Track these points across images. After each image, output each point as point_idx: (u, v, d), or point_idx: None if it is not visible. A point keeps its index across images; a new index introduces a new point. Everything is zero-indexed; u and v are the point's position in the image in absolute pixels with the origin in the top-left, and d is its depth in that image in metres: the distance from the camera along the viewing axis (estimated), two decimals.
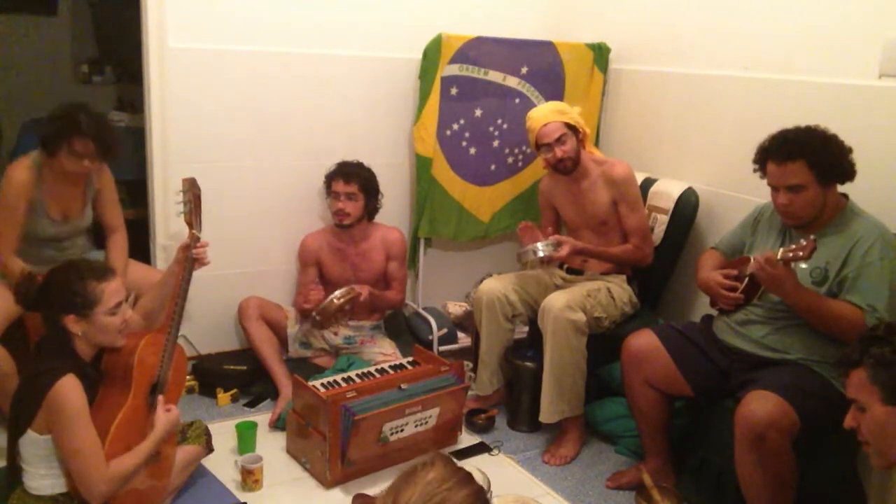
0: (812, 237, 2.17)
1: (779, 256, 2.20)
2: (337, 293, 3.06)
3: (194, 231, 2.41)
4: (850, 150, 2.25)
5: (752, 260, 2.31)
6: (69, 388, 1.97)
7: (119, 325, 2.13)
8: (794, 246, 2.19)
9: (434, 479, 1.23)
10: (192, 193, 2.41)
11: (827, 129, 2.27)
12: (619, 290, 2.98)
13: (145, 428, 2.20)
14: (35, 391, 1.98)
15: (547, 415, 2.85)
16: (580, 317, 2.78)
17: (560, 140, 2.92)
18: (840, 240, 2.26)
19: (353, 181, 3.18)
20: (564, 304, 2.78)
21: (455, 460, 1.32)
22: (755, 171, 2.37)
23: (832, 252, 2.25)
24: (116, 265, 2.87)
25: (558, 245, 2.85)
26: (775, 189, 2.31)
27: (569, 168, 2.97)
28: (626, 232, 3.00)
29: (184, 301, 2.37)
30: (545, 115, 2.96)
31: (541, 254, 2.83)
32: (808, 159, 2.21)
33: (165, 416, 2.23)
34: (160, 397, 2.28)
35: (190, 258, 2.38)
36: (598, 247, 2.98)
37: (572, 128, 2.95)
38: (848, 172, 2.26)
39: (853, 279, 2.21)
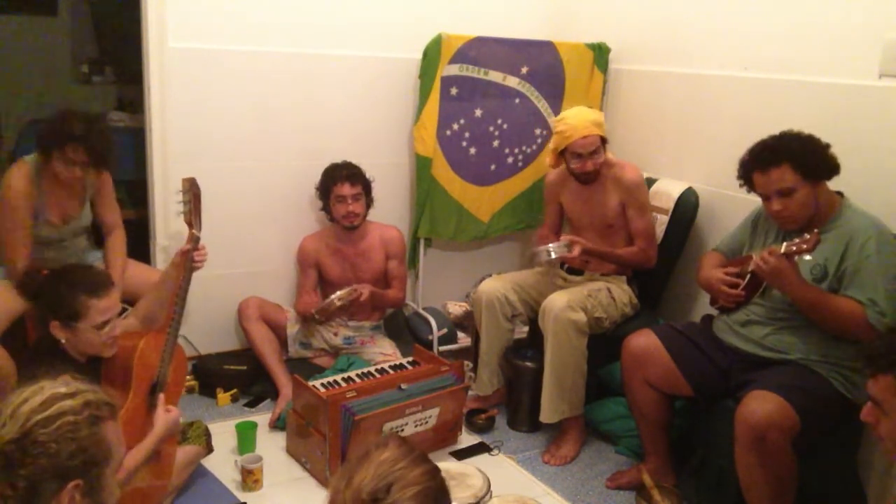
0: (815, 230, 2.18)
1: (782, 250, 2.21)
2: (338, 293, 3.06)
3: (194, 231, 2.41)
4: (828, 146, 2.27)
5: (754, 256, 2.32)
6: None
7: (104, 341, 2.10)
8: (797, 240, 2.20)
9: (388, 459, 1.22)
10: (191, 193, 2.41)
11: (801, 130, 2.29)
12: (620, 291, 2.98)
13: (146, 427, 2.20)
14: None
15: (547, 415, 2.85)
16: (581, 317, 2.78)
17: (595, 153, 2.89)
18: (837, 236, 2.26)
19: (357, 182, 3.18)
20: (565, 304, 2.78)
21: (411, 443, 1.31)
22: (741, 186, 2.38)
23: (830, 249, 2.25)
24: (114, 265, 2.88)
25: (571, 245, 2.83)
26: (766, 198, 2.31)
27: (592, 179, 2.95)
28: (632, 234, 2.99)
29: (183, 302, 2.37)
30: (586, 126, 2.86)
31: (553, 255, 2.82)
32: (790, 161, 2.23)
33: (165, 415, 2.22)
34: (160, 396, 2.27)
35: (190, 260, 2.37)
36: (606, 248, 2.97)
37: (603, 140, 2.92)
38: (832, 167, 2.27)
39: (852, 274, 2.21)
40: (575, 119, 2.91)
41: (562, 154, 2.97)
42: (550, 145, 3.07)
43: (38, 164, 2.69)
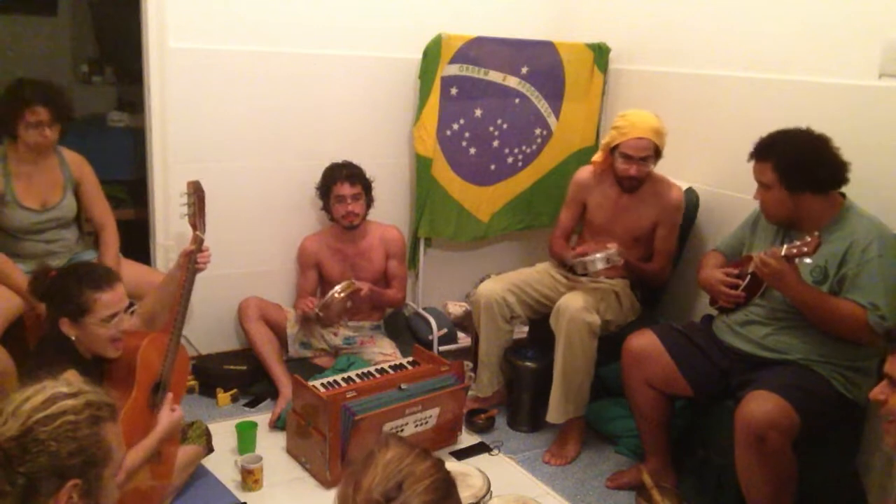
0: (816, 233, 2.18)
1: (783, 252, 2.21)
2: (337, 287, 3.06)
3: (198, 233, 2.40)
4: (835, 162, 2.24)
5: (754, 257, 2.32)
6: None
7: (110, 335, 2.11)
8: (798, 242, 2.21)
9: (393, 458, 1.23)
10: (196, 196, 2.41)
11: (821, 135, 2.27)
12: (624, 296, 2.98)
13: (147, 427, 2.20)
14: None
15: (554, 415, 2.85)
16: (595, 319, 2.77)
17: (644, 160, 2.84)
18: (838, 239, 2.26)
19: (357, 182, 3.18)
20: (581, 305, 2.76)
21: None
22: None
23: (831, 251, 2.25)
24: (107, 263, 2.87)
25: (619, 254, 2.77)
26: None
27: (634, 187, 2.92)
28: (655, 251, 2.97)
29: (187, 303, 2.36)
30: (645, 129, 2.81)
31: (607, 264, 2.75)
32: (774, 161, 2.26)
33: (169, 415, 2.23)
34: (169, 396, 2.27)
35: (193, 262, 2.36)
36: (636, 261, 2.93)
37: (657, 151, 2.86)
38: (822, 183, 2.26)
39: (853, 277, 2.21)
40: (636, 118, 2.86)
41: (612, 152, 2.92)
42: (604, 140, 2.99)
43: (4, 150, 2.72)
